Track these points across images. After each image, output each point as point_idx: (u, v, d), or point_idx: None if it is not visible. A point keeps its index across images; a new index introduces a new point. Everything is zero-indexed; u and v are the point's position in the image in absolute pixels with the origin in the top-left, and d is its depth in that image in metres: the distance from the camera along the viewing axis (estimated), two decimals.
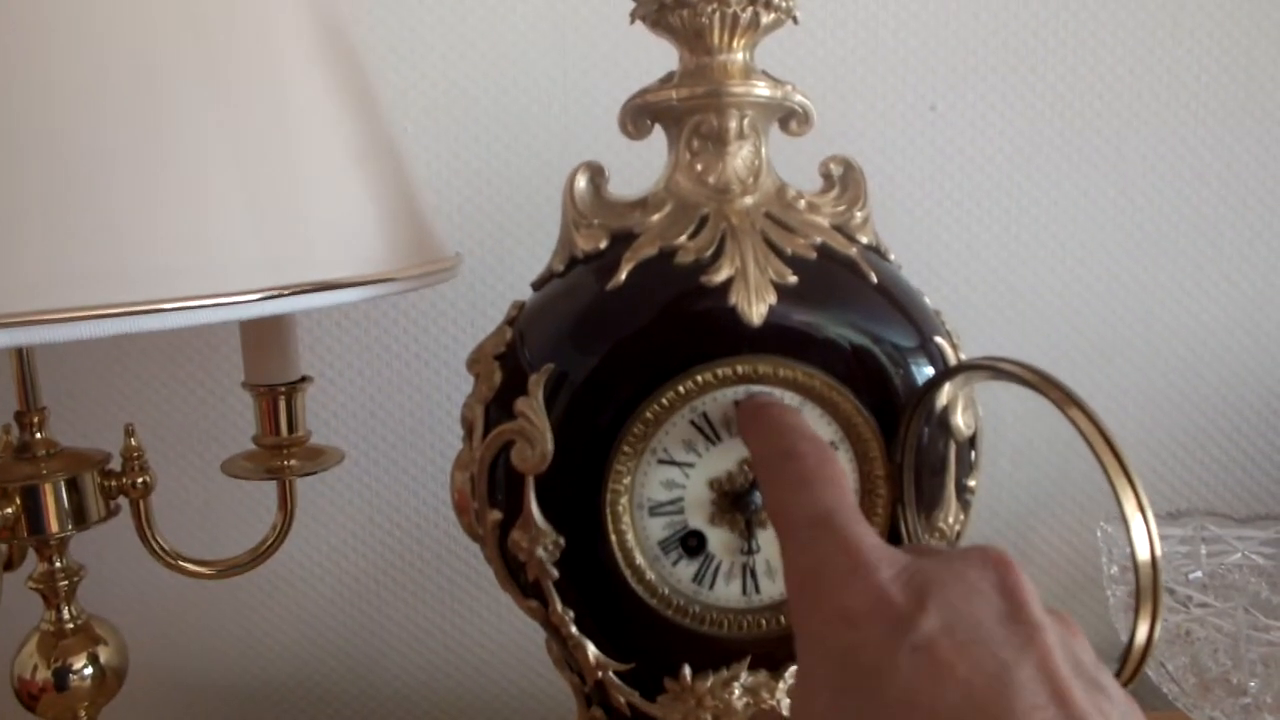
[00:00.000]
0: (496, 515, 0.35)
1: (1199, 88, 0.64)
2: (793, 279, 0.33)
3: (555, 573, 0.34)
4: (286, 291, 0.36)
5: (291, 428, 0.50)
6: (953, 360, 0.35)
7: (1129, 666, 0.25)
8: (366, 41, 0.59)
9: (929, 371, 0.34)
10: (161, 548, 0.48)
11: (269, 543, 0.51)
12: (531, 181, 0.63)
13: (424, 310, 0.64)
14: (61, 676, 0.46)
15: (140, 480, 0.47)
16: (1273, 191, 0.65)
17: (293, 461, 0.50)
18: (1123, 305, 0.66)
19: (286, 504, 0.51)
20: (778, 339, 0.33)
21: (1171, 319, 0.66)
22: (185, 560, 0.49)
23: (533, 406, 0.33)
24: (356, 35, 0.56)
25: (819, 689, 0.22)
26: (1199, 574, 0.53)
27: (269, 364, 0.49)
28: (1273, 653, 0.42)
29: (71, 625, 0.47)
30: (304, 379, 0.50)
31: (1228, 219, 0.65)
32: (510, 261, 0.64)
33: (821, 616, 0.23)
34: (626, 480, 0.33)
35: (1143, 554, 0.24)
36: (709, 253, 0.33)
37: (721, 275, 0.33)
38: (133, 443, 0.47)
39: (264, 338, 0.49)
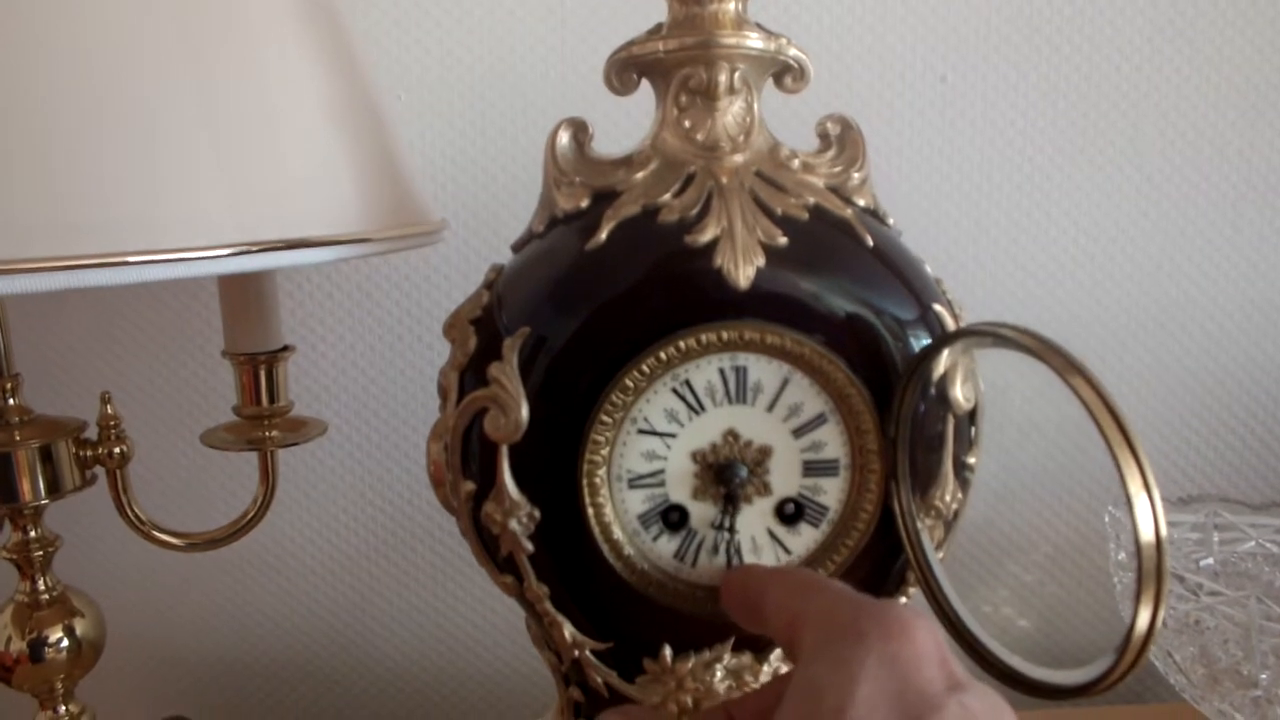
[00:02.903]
0: (470, 486, 0.33)
1: (1221, 60, 0.61)
2: (783, 240, 0.31)
3: (530, 546, 0.33)
4: (256, 248, 0.35)
5: (273, 398, 0.49)
6: (952, 329, 0.33)
7: (1129, 654, 0.23)
8: (360, 8, 0.58)
9: (926, 340, 0.32)
10: (138, 518, 0.47)
11: (250, 516, 0.49)
12: (528, 151, 0.62)
13: (416, 281, 0.62)
14: (37, 648, 0.45)
15: (117, 450, 0.45)
16: None
17: (274, 433, 0.49)
18: (1136, 285, 0.63)
19: (268, 476, 0.49)
20: (766, 303, 0.31)
21: (1187, 300, 0.64)
22: (161, 531, 0.48)
23: (506, 372, 0.31)
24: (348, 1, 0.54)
25: (859, 689, 0.23)
26: (1210, 561, 0.51)
27: (249, 332, 0.48)
28: None
29: (47, 596, 0.46)
30: (286, 348, 0.49)
31: (1248, 197, 0.63)
32: (506, 231, 0.62)
33: (884, 633, 0.24)
34: (605, 451, 0.32)
35: (1146, 534, 0.22)
36: (694, 211, 0.32)
37: (707, 235, 0.31)
38: (109, 411, 0.45)
39: (244, 304, 0.48)
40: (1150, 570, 0.22)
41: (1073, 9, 0.60)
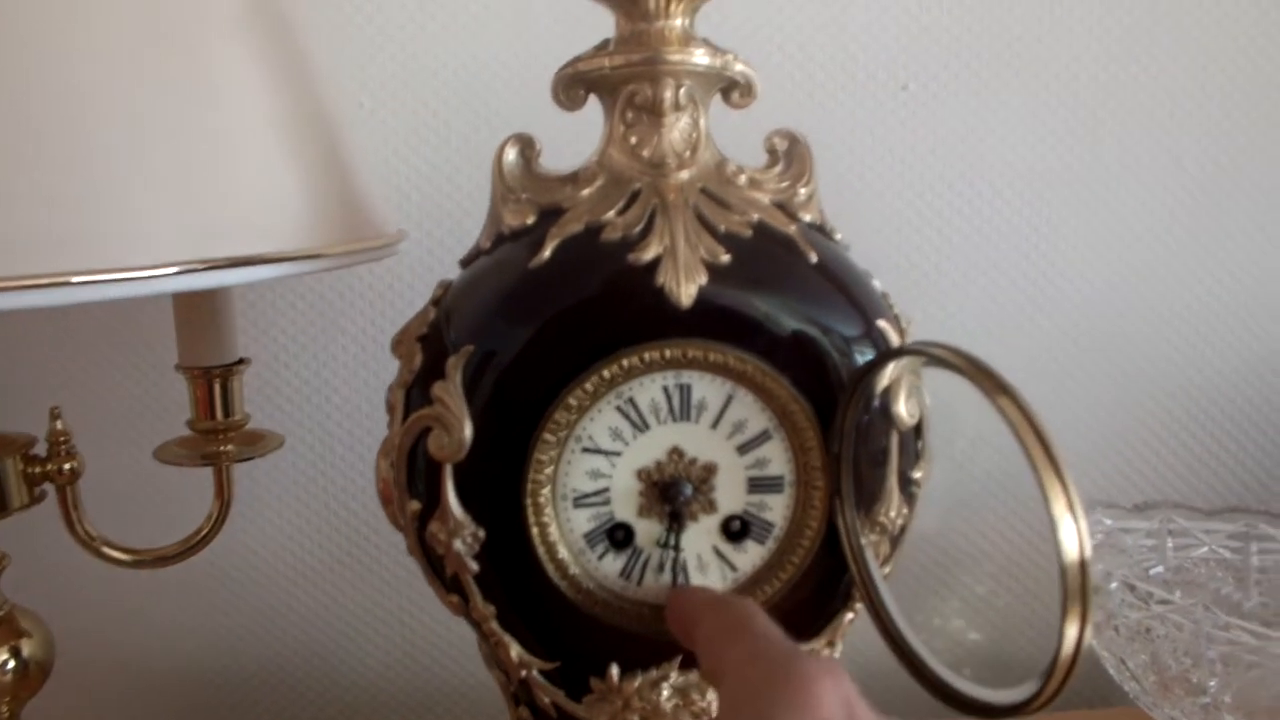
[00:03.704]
0: (415, 505, 0.33)
1: (1181, 68, 0.62)
2: (725, 258, 0.31)
3: (475, 566, 0.32)
4: (202, 266, 0.34)
5: (228, 412, 0.48)
6: (896, 345, 0.33)
7: (1057, 673, 0.23)
8: (323, 14, 0.57)
9: (870, 357, 0.32)
10: (87, 534, 0.46)
11: (204, 532, 0.49)
12: (491, 161, 0.61)
13: (380, 291, 0.62)
14: None
15: (67, 466, 0.45)
16: (1269, 177, 0.63)
17: (229, 447, 0.49)
18: (1094, 290, 0.64)
19: (223, 491, 0.49)
20: (709, 321, 0.31)
21: (1145, 307, 0.64)
22: (110, 548, 0.47)
23: (449, 391, 0.31)
24: (307, 6, 0.53)
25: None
26: (1160, 569, 0.52)
27: (203, 345, 0.47)
28: (1233, 651, 0.40)
29: None
30: (241, 361, 0.49)
31: (1203, 204, 0.63)
32: (470, 243, 0.62)
33: (788, 698, 0.25)
34: (549, 470, 0.32)
35: (1071, 555, 0.22)
36: (637, 230, 0.32)
37: (649, 253, 0.31)
38: (59, 426, 0.45)
39: (199, 318, 0.47)
40: (1075, 590, 0.23)
41: (1034, 16, 0.61)
